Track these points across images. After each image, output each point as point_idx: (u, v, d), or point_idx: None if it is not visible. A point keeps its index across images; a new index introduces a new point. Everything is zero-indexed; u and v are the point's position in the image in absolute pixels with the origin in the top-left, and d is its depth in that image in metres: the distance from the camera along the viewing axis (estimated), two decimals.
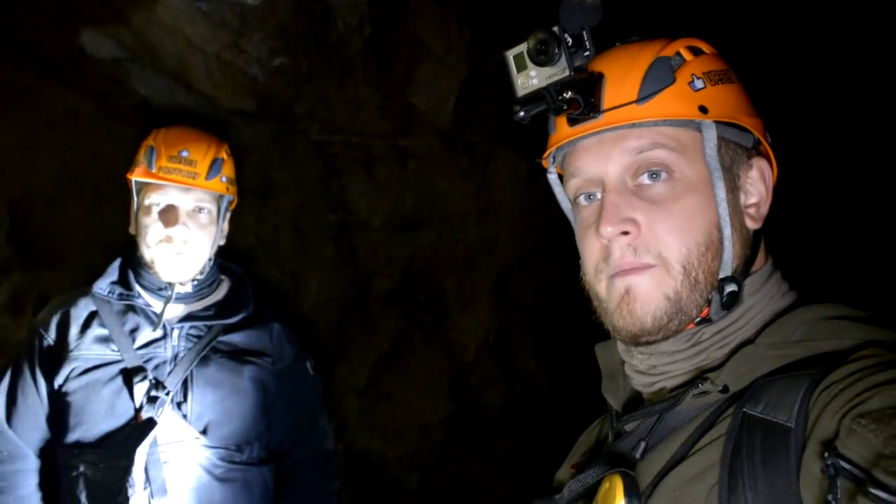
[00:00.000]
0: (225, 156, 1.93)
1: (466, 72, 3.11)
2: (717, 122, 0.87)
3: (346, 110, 2.92)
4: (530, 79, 0.87)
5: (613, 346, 1.01)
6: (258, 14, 2.58)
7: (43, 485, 1.83)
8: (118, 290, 1.86)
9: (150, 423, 1.72)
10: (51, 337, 1.82)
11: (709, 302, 0.87)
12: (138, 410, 1.74)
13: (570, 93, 0.85)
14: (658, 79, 0.87)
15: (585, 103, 0.86)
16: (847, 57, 3.41)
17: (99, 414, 1.74)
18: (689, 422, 0.86)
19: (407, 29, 2.96)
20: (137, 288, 1.87)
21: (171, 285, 1.85)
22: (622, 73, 0.88)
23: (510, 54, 0.89)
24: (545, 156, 1.00)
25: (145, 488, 1.70)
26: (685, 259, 0.85)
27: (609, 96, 0.88)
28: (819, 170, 3.16)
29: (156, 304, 1.87)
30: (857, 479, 0.62)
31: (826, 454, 0.66)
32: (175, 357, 1.82)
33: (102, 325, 1.82)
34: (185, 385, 1.80)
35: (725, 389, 0.83)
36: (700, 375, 0.86)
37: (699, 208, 0.86)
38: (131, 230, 1.90)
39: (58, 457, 1.78)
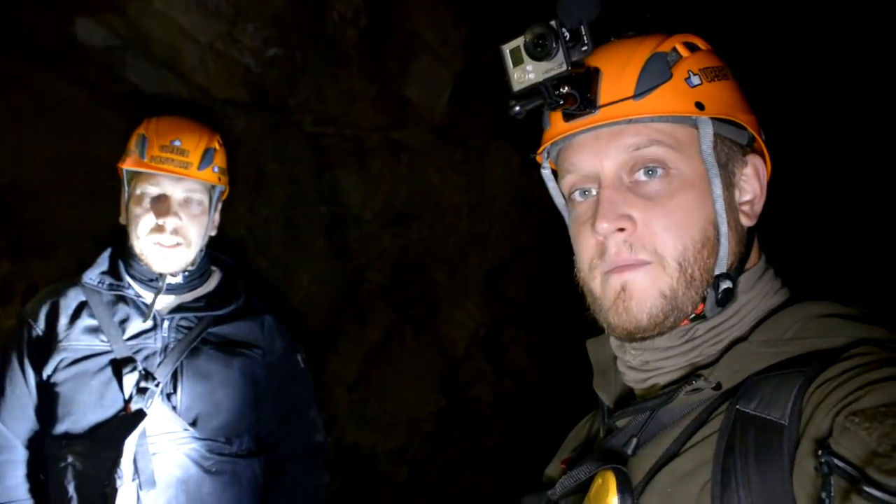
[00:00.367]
0: (217, 146, 1.92)
1: (461, 65, 3.10)
2: (714, 119, 0.87)
3: (339, 102, 2.90)
4: (527, 73, 0.86)
5: (605, 341, 1.01)
6: (253, 3, 2.56)
7: (31, 476, 1.82)
8: (108, 280, 1.84)
9: (140, 415, 1.71)
10: (40, 327, 1.80)
11: (704, 299, 0.87)
12: (127, 401, 1.73)
13: (566, 88, 0.85)
14: (655, 75, 0.87)
15: (582, 99, 0.86)
16: (834, 53, 3.42)
17: (88, 405, 1.73)
18: (682, 418, 0.86)
19: (402, 21, 2.94)
20: (128, 278, 1.86)
21: (161, 276, 1.84)
22: (618, 69, 0.88)
23: (506, 48, 0.88)
24: (539, 151, 0.99)
25: (133, 480, 1.70)
26: (681, 256, 0.85)
27: (605, 92, 0.87)
28: (809, 166, 3.16)
29: (146, 295, 1.86)
30: (850, 478, 0.63)
31: (820, 452, 0.66)
32: (165, 348, 1.81)
33: (92, 315, 1.80)
34: (174, 376, 1.79)
35: (718, 386, 0.83)
36: (693, 372, 0.86)
37: (695, 205, 0.86)
38: (122, 220, 1.89)
39: (46, 448, 1.77)
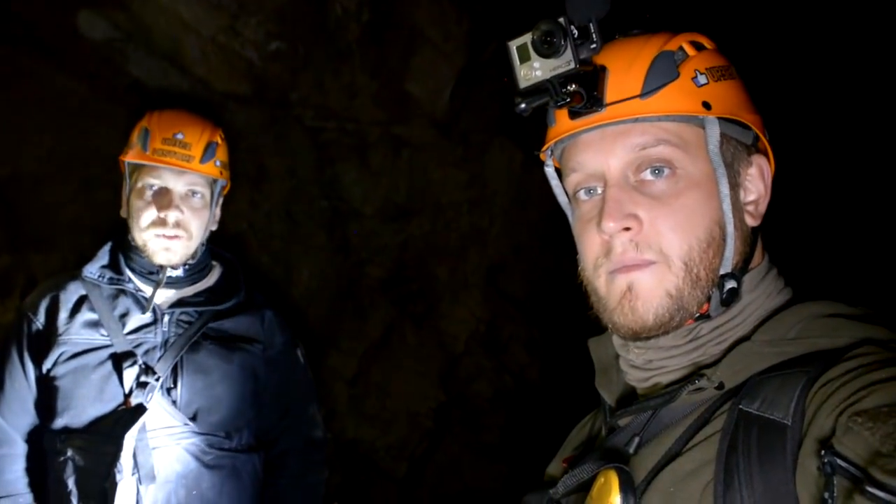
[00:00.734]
0: (219, 140, 1.92)
1: (463, 61, 3.09)
2: (720, 119, 0.87)
3: (341, 97, 2.90)
4: (534, 70, 0.86)
5: (607, 340, 1.01)
6: None
7: (30, 470, 1.82)
8: (108, 273, 1.84)
9: (140, 409, 1.71)
10: (39, 321, 1.80)
11: (708, 298, 0.87)
12: (127, 396, 1.73)
13: (573, 85, 0.84)
14: (662, 73, 0.86)
15: (588, 97, 0.85)
16: (836, 53, 3.41)
17: (87, 399, 1.72)
18: (684, 418, 0.86)
19: (404, 16, 2.94)
20: (128, 272, 1.85)
21: (162, 268, 1.83)
22: (625, 67, 0.88)
23: (513, 45, 0.87)
24: (544, 149, 0.99)
25: (133, 474, 1.69)
26: (686, 255, 0.84)
27: (612, 90, 0.87)
28: (810, 166, 3.16)
29: (146, 289, 1.85)
30: (853, 478, 0.63)
31: (822, 452, 0.66)
32: (165, 342, 1.81)
33: (92, 309, 1.80)
34: (175, 371, 1.78)
35: (721, 386, 0.83)
36: (696, 371, 0.86)
37: (701, 205, 0.86)
38: (122, 213, 1.88)
39: (45, 442, 1.77)
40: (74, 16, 2.42)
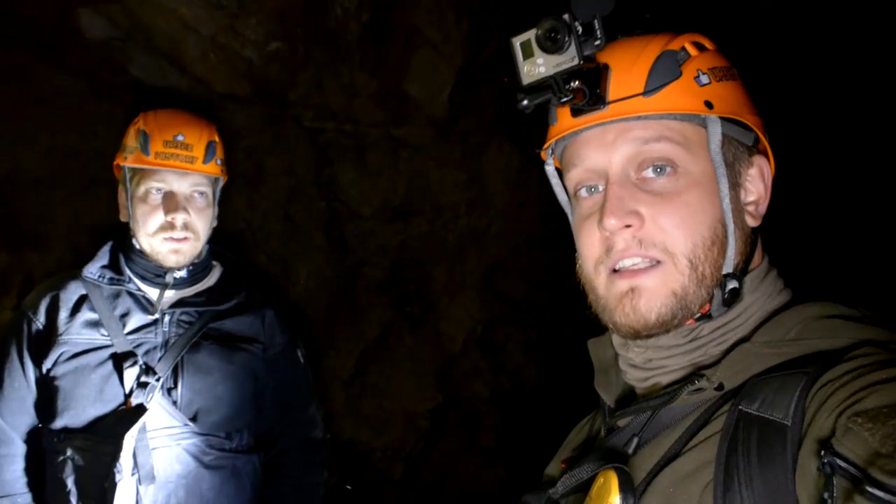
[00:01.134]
0: (217, 138, 1.92)
1: (462, 62, 3.09)
2: (722, 119, 0.87)
3: (340, 97, 2.89)
4: (537, 66, 0.86)
5: (607, 340, 1.01)
6: None
7: (29, 469, 1.81)
8: (109, 274, 1.83)
9: (140, 409, 1.70)
10: (40, 320, 1.79)
11: (711, 298, 0.87)
12: (128, 396, 1.72)
13: (576, 82, 0.84)
14: (664, 72, 0.87)
15: (591, 94, 0.86)
16: (836, 54, 3.42)
17: (87, 399, 1.72)
18: (683, 418, 0.86)
19: (404, 17, 2.93)
20: (129, 273, 1.85)
21: (169, 271, 1.83)
22: (628, 65, 0.88)
23: (517, 41, 0.87)
24: (545, 146, 0.99)
25: (133, 474, 1.69)
26: (692, 253, 0.84)
27: (615, 88, 0.87)
28: (810, 167, 3.16)
29: (147, 290, 1.85)
30: (853, 478, 0.63)
31: (822, 452, 0.66)
32: (166, 343, 1.81)
33: (92, 309, 1.79)
34: (175, 371, 1.78)
35: (720, 387, 0.83)
36: (695, 372, 0.86)
37: (703, 203, 0.86)
38: (122, 218, 1.87)
39: (45, 441, 1.76)
40: (74, 14, 2.42)
